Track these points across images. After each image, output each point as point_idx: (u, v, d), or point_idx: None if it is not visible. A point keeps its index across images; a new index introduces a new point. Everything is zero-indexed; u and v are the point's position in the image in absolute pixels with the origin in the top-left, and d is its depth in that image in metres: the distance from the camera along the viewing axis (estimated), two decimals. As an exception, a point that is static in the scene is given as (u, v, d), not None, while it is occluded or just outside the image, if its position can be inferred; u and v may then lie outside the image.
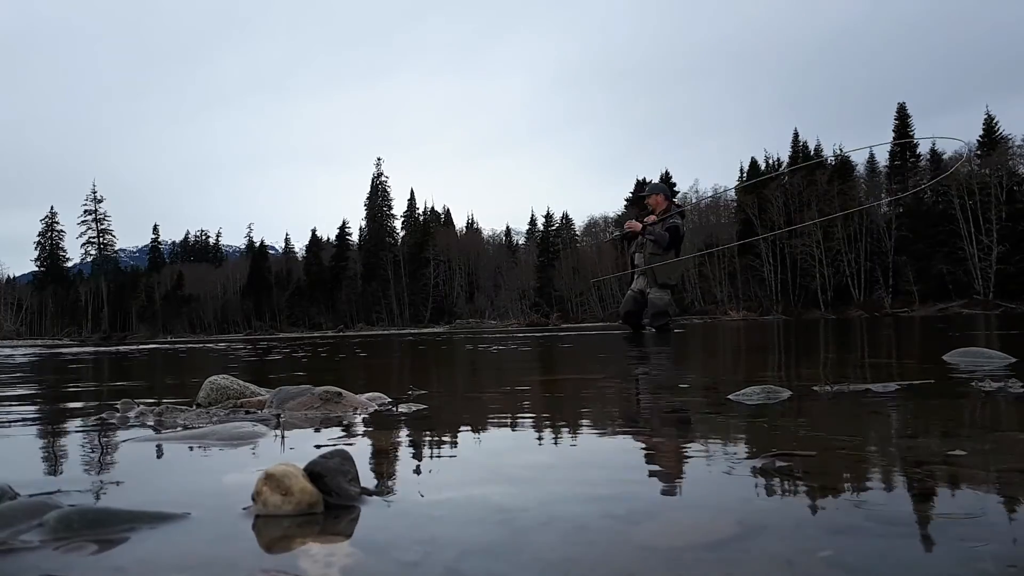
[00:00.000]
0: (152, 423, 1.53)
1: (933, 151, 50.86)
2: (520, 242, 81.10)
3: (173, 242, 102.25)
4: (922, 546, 0.63)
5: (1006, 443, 1.10)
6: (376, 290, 74.54)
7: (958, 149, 48.49)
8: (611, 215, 64.90)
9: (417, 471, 1.04)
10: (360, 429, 1.42)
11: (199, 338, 35.81)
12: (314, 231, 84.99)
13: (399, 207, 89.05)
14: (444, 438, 1.31)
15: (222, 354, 6.30)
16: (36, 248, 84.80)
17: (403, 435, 1.34)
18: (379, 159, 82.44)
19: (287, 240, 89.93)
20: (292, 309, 78.32)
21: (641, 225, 8.50)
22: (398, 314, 72.09)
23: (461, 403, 1.97)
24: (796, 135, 58.22)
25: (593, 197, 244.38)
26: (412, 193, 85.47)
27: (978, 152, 47.99)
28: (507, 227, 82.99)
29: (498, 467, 1.03)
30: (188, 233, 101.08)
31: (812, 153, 56.55)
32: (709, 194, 59.24)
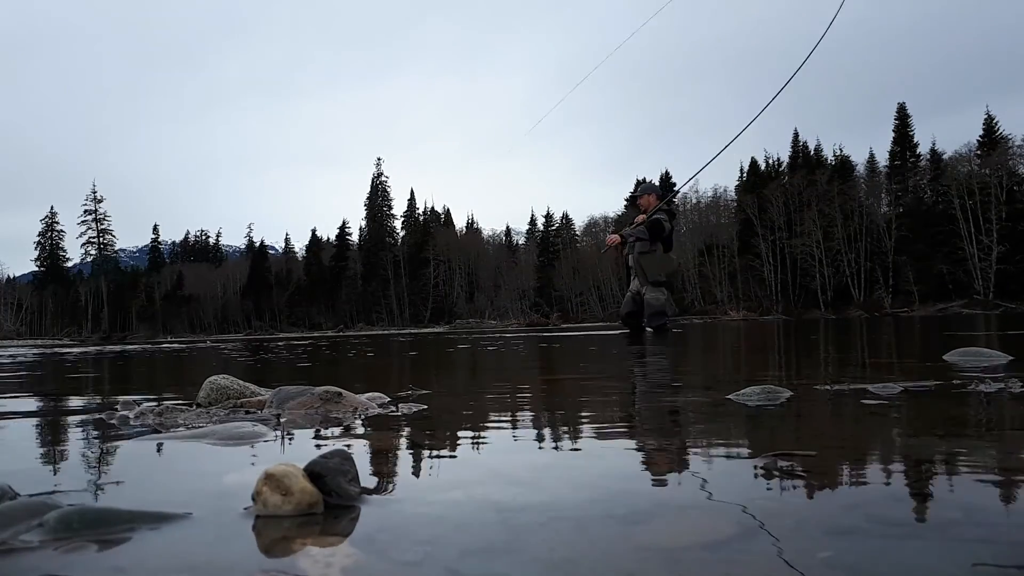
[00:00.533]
0: (152, 423, 1.53)
1: (933, 151, 50.92)
2: (520, 242, 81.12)
3: (173, 242, 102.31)
4: (922, 546, 0.63)
5: (1006, 443, 1.10)
6: (376, 290, 74.53)
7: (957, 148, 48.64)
8: (611, 215, 64.82)
9: (417, 471, 1.04)
10: (360, 429, 1.42)
11: (199, 338, 35.82)
12: (314, 231, 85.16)
13: (399, 207, 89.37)
14: (444, 438, 1.31)
15: (222, 354, 6.30)
16: (36, 248, 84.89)
17: (403, 435, 1.34)
18: (379, 159, 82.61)
19: (287, 240, 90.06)
20: (292, 309, 78.31)
21: (619, 238, 8.64)
22: (398, 314, 72.08)
23: (461, 403, 1.97)
24: (796, 135, 58.25)
25: (593, 197, 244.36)
26: (412, 193, 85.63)
27: (978, 152, 48.00)
28: (507, 227, 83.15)
29: (498, 467, 1.03)
30: (188, 233, 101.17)
31: (812, 153, 56.54)
32: (705, 192, 59.37)
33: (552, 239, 73.59)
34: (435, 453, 1.17)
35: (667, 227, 8.41)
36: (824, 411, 1.53)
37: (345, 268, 78.42)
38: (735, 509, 0.75)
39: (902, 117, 53.62)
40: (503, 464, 1.05)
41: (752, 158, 59.60)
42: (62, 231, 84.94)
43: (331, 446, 1.11)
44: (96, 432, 1.46)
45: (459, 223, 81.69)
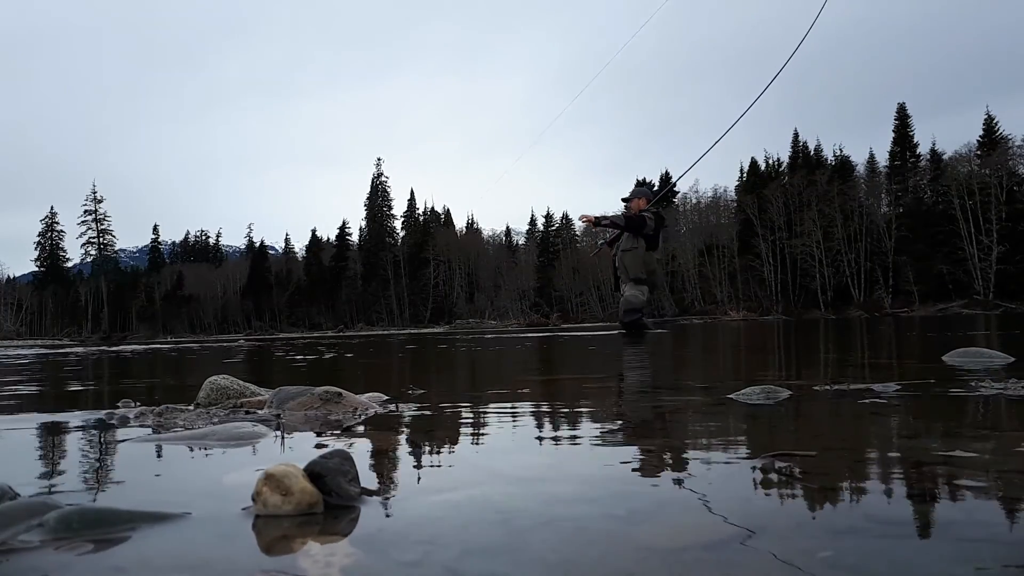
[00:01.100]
0: (152, 423, 1.53)
1: (933, 151, 50.91)
2: (520, 242, 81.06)
3: (173, 242, 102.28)
4: (922, 546, 0.63)
5: (1006, 443, 1.10)
6: (376, 290, 74.51)
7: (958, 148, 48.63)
8: (611, 215, 64.69)
9: (417, 471, 1.04)
10: (360, 429, 1.42)
11: (199, 338, 35.79)
12: (314, 231, 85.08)
13: (399, 207, 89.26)
14: (444, 438, 1.31)
15: (222, 353, 6.30)
16: (36, 248, 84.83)
17: (403, 435, 1.34)
18: (379, 159, 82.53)
19: (287, 240, 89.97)
20: (292, 309, 78.30)
21: (594, 218, 8.70)
22: (398, 314, 72.06)
23: (461, 403, 1.97)
24: (796, 135, 58.24)
25: (593, 197, 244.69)
26: (412, 193, 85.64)
27: (978, 152, 47.99)
28: (507, 227, 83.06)
29: (498, 467, 1.03)
30: (188, 233, 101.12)
31: (812, 153, 56.54)
32: (705, 192, 59.36)
33: (552, 239, 73.57)
34: (435, 453, 1.17)
35: (649, 224, 8.47)
36: (824, 411, 1.53)
37: (345, 268, 78.41)
38: (735, 509, 0.75)
39: (902, 117, 53.61)
40: (503, 464, 1.05)
41: (752, 158, 59.62)
42: (62, 231, 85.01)
43: (331, 446, 1.11)
44: (96, 432, 1.46)
45: (459, 223, 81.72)
